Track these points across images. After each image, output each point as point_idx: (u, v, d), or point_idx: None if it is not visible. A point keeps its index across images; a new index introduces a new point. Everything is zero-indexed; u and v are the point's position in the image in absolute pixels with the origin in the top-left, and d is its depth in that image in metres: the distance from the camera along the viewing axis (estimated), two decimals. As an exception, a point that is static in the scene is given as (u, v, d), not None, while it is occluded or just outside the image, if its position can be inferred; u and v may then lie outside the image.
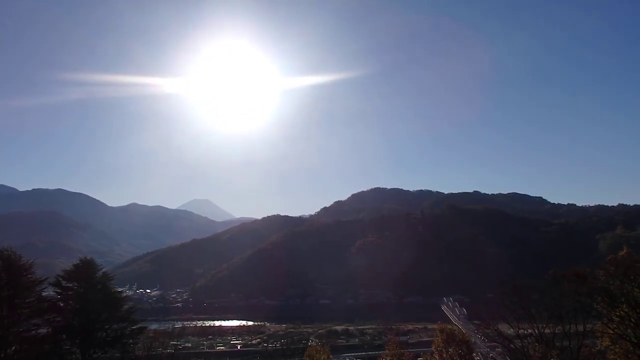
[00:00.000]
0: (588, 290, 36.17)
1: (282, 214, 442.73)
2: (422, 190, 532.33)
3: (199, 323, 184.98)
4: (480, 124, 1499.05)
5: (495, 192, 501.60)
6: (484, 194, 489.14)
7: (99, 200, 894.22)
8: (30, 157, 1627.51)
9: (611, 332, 33.89)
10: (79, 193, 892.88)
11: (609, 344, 34.63)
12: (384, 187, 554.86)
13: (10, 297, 29.59)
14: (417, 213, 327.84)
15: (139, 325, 37.07)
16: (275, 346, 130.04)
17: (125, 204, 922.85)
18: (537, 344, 36.48)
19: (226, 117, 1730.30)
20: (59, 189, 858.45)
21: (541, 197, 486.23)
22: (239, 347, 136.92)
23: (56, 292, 35.25)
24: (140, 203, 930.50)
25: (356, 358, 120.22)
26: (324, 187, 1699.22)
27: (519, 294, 40.17)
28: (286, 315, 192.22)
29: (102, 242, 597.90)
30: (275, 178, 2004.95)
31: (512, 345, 39.38)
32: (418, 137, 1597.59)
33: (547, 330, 38.06)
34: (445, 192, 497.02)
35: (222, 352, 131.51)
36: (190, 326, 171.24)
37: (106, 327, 35.52)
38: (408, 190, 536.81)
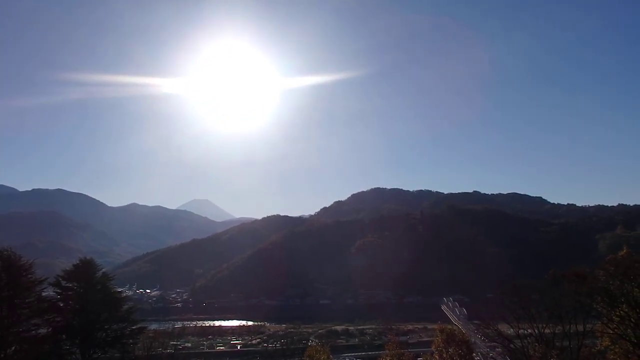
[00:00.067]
0: (588, 290, 36.19)
1: (282, 214, 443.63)
2: (422, 190, 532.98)
3: (199, 323, 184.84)
4: (480, 124, 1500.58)
5: (495, 192, 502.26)
6: (484, 194, 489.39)
7: (98, 201, 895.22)
8: (30, 157, 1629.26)
9: (611, 332, 33.89)
10: (79, 193, 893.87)
11: (609, 344, 34.62)
12: (384, 187, 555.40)
13: (10, 297, 29.59)
14: (417, 213, 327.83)
15: (138, 326, 37.13)
16: (275, 346, 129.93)
17: (125, 204, 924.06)
18: (537, 344, 36.47)
19: (226, 117, 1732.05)
20: (58, 189, 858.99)
21: (541, 197, 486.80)
22: (238, 347, 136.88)
23: (56, 292, 35.28)
24: (140, 203, 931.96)
25: (356, 358, 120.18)
26: (324, 187, 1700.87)
27: (519, 294, 40.18)
28: (286, 315, 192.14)
29: (102, 242, 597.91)
30: (275, 178, 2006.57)
31: (512, 345, 39.39)
32: (418, 137, 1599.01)
33: (547, 330, 38.08)
34: (445, 192, 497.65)
35: (222, 352, 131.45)
36: (190, 326, 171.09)
37: (106, 327, 35.56)
38: (408, 191, 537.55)
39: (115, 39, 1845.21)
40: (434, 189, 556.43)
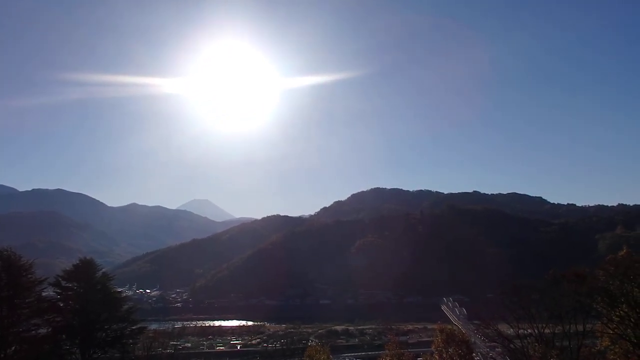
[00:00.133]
0: (588, 290, 36.19)
1: (282, 214, 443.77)
2: (421, 190, 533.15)
3: (199, 323, 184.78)
4: (480, 124, 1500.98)
5: (495, 192, 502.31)
6: (484, 194, 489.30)
7: (98, 201, 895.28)
8: (30, 157, 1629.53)
9: (611, 332, 33.90)
10: (79, 193, 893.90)
11: (609, 344, 34.63)
12: (384, 187, 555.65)
13: (10, 297, 29.60)
14: (417, 213, 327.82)
15: (138, 326, 37.13)
16: (275, 346, 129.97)
17: (125, 204, 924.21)
18: (537, 344, 36.47)
19: (226, 117, 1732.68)
20: (58, 189, 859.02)
21: (541, 197, 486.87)
22: (238, 347, 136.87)
23: (56, 292, 35.28)
24: (140, 203, 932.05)
25: (356, 358, 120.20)
26: (324, 187, 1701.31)
27: (519, 294, 40.18)
28: (286, 315, 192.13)
29: (102, 242, 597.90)
30: (275, 178, 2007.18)
31: (512, 345, 39.39)
32: (418, 137, 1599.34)
33: (547, 330, 38.07)
34: (445, 192, 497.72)
35: (222, 352, 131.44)
36: (190, 326, 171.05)
37: (106, 327, 35.56)
38: (408, 190, 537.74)
39: (115, 39, 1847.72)
40: (434, 189, 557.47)
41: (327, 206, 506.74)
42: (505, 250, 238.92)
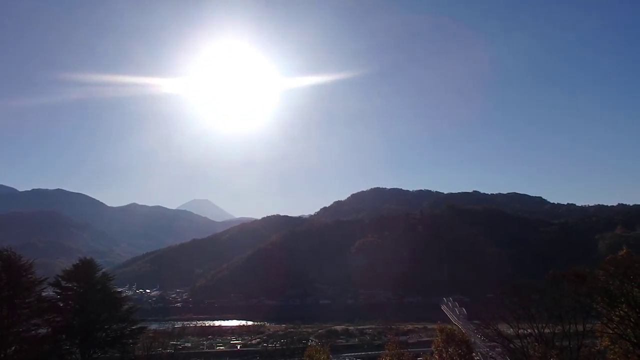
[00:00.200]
0: (588, 290, 36.20)
1: (282, 214, 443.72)
2: (421, 190, 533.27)
3: (199, 323, 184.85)
4: (480, 124, 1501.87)
5: (494, 192, 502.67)
6: (484, 194, 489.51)
7: (98, 201, 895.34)
8: (30, 157, 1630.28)
9: (611, 332, 33.91)
10: (79, 193, 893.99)
11: (609, 343, 34.63)
12: (384, 187, 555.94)
13: (10, 297, 29.61)
14: (417, 213, 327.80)
15: (138, 326, 37.12)
16: (275, 346, 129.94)
17: (125, 204, 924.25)
18: (536, 344, 36.48)
19: (226, 117, 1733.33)
20: (58, 189, 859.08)
21: (541, 197, 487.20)
22: (238, 347, 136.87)
23: (56, 292, 35.27)
24: (140, 203, 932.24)
25: (356, 358, 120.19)
26: (324, 187, 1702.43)
27: (519, 294, 40.18)
28: (286, 315, 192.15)
29: (102, 242, 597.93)
30: (275, 178, 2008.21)
31: (511, 345, 39.40)
32: (418, 137, 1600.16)
33: (546, 330, 38.08)
34: (445, 192, 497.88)
35: (221, 352, 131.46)
36: (190, 326, 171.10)
37: (106, 327, 35.56)
38: (408, 190, 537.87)
39: (115, 39, 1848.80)
40: (433, 189, 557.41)
41: (327, 206, 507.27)
42: (505, 250, 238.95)
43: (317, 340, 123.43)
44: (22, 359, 29.41)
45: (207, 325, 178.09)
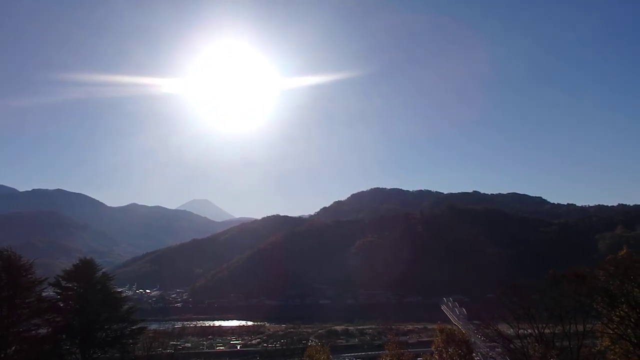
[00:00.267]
0: (588, 290, 36.17)
1: (281, 214, 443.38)
2: (421, 190, 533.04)
3: (199, 323, 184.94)
4: (480, 124, 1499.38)
5: (494, 192, 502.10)
6: (484, 194, 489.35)
7: (98, 201, 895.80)
8: (30, 157, 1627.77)
9: (611, 332, 33.90)
10: (79, 193, 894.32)
11: (609, 344, 34.61)
12: (384, 187, 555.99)
13: (10, 297, 29.61)
14: (417, 213, 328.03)
15: (138, 326, 37.12)
16: (275, 346, 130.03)
17: (125, 204, 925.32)
18: (537, 344, 36.43)
19: (226, 117, 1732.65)
20: (58, 189, 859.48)
21: (541, 197, 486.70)
22: (238, 347, 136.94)
23: (56, 292, 35.28)
24: (139, 203, 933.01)
25: (356, 358, 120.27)
26: (324, 187, 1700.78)
27: (519, 294, 40.12)
28: (286, 315, 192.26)
29: (102, 242, 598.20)
30: (274, 178, 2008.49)
31: (511, 345, 39.36)
32: (418, 137, 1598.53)
33: (547, 330, 38.02)
34: (445, 192, 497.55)
35: (221, 352, 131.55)
36: (190, 326, 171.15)
37: (106, 327, 35.56)
38: (407, 190, 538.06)
39: (115, 39, 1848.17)
40: (433, 189, 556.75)
41: (327, 206, 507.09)
42: (505, 250, 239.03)
43: (317, 341, 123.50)
44: (22, 359, 29.41)
45: (207, 325, 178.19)
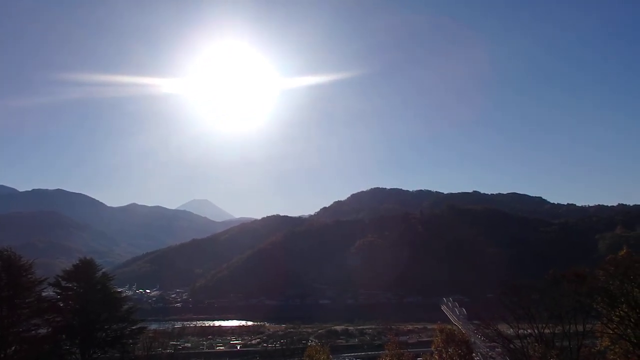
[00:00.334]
0: (588, 290, 36.18)
1: (281, 214, 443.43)
2: (421, 190, 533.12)
3: (199, 323, 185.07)
4: (480, 124, 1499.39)
5: (494, 192, 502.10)
6: (484, 194, 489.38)
7: (98, 201, 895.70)
8: (30, 157, 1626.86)
9: (611, 332, 33.91)
10: (79, 193, 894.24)
11: (609, 344, 34.62)
12: (384, 187, 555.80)
13: (10, 297, 29.61)
14: (417, 213, 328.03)
15: (138, 326, 37.12)
16: (275, 346, 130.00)
17: (125, 204, 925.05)
18: (536, 344, 36.44)
19: (225, 117, 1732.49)
20: (58, 189, 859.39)
21: (541, 197, 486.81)
22: (238, 347, 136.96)
23: (56, 292, 35.28)
24: (139, 203, 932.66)
25: (356, 358, 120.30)
26: (324, 187, 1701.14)
27: (519, 294, 40.13)
28: (286, 315, 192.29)
29: (102, 242, 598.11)
30: (274, 178, 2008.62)
31: (511, 345, 39.36)
32: (418, 137, 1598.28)
33: (546, 330, 38.03)
34: (445, 192, 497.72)
35: (221, 352, 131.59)
36: (190, 326, 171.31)
37: (106, 327, 35.56)
38: (407, 190, 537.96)
39: (115, 39, 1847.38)
40: (433, 189, 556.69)
41: (327, 206, 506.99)
42: (505, 250, 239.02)
43: (317, 341, 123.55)
44: (22, 359, 29.41)
45: (207, 325, 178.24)
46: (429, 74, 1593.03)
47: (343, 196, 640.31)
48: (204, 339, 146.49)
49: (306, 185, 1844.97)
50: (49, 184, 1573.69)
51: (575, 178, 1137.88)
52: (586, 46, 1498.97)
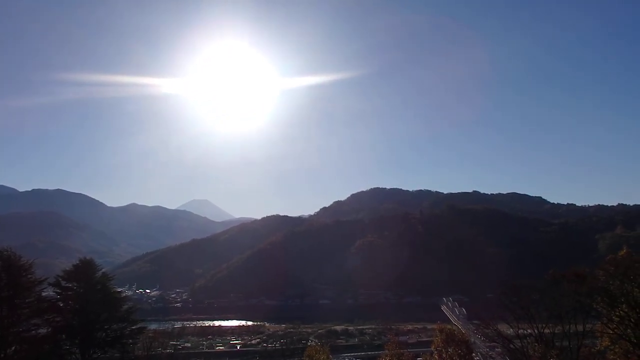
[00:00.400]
0: (588, 290, 36.18)
1: (281, 214, 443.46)
2: (421, 190, 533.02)
3: (199, 323, 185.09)
4: (480, 124, 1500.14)
5: (494, 192, 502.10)
6: (484, 194, 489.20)
7: (98, 201, 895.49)
8: (30, 157, 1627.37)
9: (611, 332, 33.92)
10: (79, 193, 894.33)
11: (609, 344, 34.64)
12: (384, 187, 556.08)
13: (10, 297, 29.61)
14: (417, 213, 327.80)
15: (138, 326, 37.19)
16: (275, 346, 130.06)
17: (125, 204, 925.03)
18: (536, 344, 36.44)
19: (225, 117, 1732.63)
20: (58, 190, 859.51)
21: (541, 197, 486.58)
22: (238, 347, 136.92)
23: (56, 292, 35.32)
24: (139, 203, 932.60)
25: (356, 358, 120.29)
26: (324, 187, 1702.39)
27: (519, 294, 40.13)
28: (286, 315, 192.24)
29: (102, 242, 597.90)
30: (274, 178, 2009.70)
31: (511, 345, 39.36)
32: (418, 137, 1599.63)
33: (546, 330, 38.02)
34: (445, 192, 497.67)
35: (221, 352, 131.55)
36: (189, 326, 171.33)
37: (106, 327, 35.61)
38: (407, 190, 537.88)
39: (115, 39, 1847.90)
40: (433, 188, 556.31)
41: (327, 206, 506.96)
42: (505, 250, 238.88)
43: (316, 341, 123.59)
44: (22, 359, 29.40)
45: (206, 325, 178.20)
46: (429, 74, 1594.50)
47: (343, 196, 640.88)
48: (204, 339, 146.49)
49: (306, 185, 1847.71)
50: (48, 184, 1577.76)
51: (575, 178, 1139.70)
52: (586, 46, 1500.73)
